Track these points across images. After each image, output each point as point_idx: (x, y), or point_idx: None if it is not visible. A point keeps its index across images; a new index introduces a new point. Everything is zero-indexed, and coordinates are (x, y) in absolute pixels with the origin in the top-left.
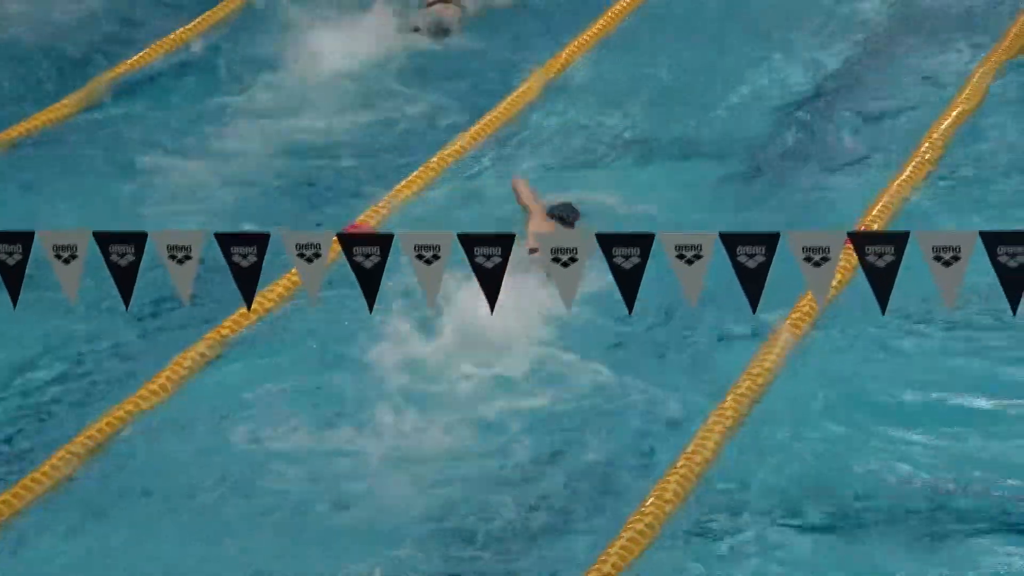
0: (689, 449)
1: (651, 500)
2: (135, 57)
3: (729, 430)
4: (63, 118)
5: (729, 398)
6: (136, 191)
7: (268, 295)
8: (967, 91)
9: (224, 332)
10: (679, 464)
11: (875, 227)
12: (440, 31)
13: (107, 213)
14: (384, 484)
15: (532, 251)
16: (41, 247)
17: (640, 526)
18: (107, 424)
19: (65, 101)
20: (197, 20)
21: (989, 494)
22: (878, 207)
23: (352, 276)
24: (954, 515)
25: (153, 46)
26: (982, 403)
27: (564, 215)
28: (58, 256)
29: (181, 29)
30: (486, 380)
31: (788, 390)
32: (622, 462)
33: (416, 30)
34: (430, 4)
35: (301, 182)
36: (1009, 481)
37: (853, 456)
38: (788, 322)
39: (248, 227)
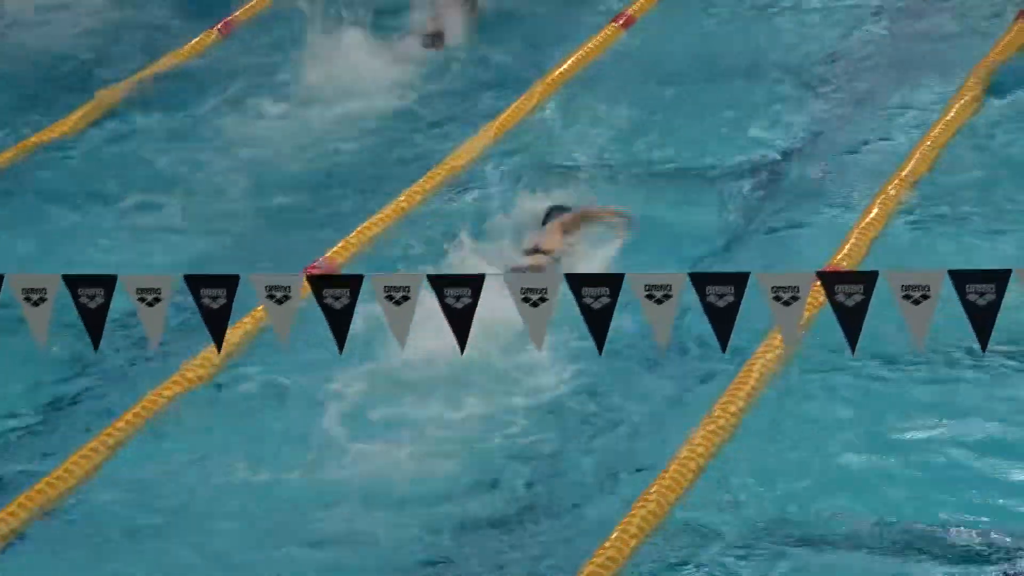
0: (661, 482)
1: (616, 534)
2: (106, 90)
3: (700, 467)
4: (31, 150)
5: (699, 434)
6: (113, 224)
7: (235, 331)
8: (937, 129)
9: (196, 367)
10: (650, 496)
11: (845, 265)
12: (435, 40)
13: (80, 249)
14: (359, 516)
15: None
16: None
17: (602, 559)
18: (73, 464)
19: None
20: (174, 51)
21: (958, 531)
22: (848, 245)
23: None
24: (924, 553)
25: (130, 78)
26: (952, 441)
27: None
28: (28, 299)
29: (163, 57)
30: (456, 408)
31: (760, 425)
32: (593, 493)
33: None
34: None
35: (290, 209)
36: (980, 519)
37: (824, 495)
38: (762, 356)
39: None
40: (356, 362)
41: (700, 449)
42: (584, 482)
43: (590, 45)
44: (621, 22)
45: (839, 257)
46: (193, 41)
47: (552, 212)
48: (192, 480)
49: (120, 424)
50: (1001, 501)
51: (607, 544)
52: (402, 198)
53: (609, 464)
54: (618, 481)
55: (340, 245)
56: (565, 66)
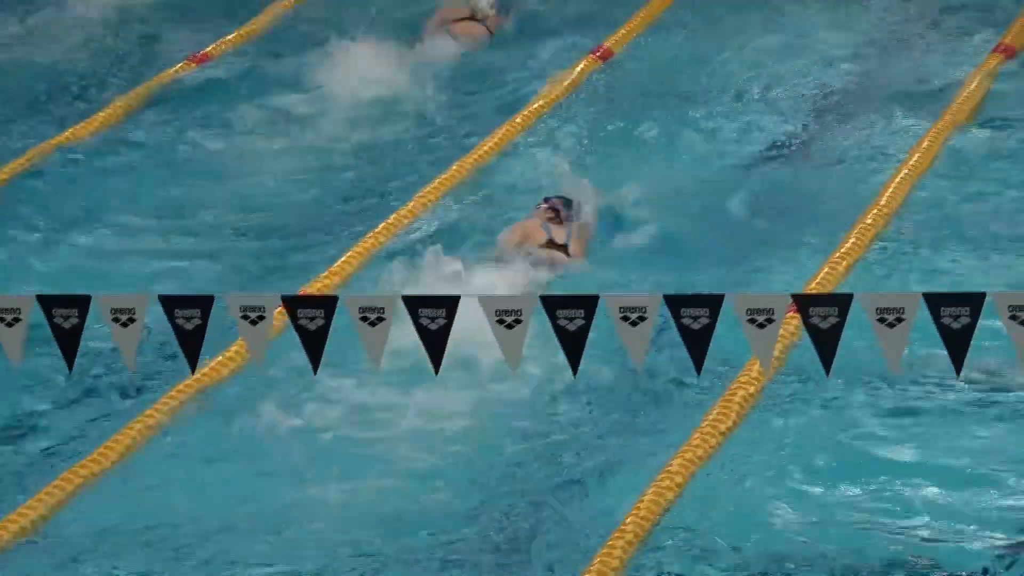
0: (639, 509)
1: (598, 562)
2: (93, 115)
3: (676, 492)
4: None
5: (676, 461)
6: (102, 243)
7: (218, 365)
8: (913, 160)
9: (175, 394)
10: (627, 524)
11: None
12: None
13: (66, 269)
14: (337, 540)
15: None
16: None
17: None
18: (47, 494)
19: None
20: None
21: (934, 556)
22: (822, 274)
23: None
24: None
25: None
26: (929, 464)
27: (561, 207)
28: (1, 319)
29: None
30: (431, 430)
31: (739, 449)
32: (573, 519)
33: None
34: (455, 20)
35: (284, 233)
36: (956, 542)
37: (804, 517)
38: (741, 380)
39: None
40: (335, 383)
41: (679, 478)
42: (562, 508)
43: (572, 74)
44: (599, 53)
45: (813, 284)
46: (184, 60)
47: (546, 200)
48: (177, 497)
49: (95, 457)
50: (988, 526)
51: (592, 569)
52: (383, 226)
53: (590, 487)
54: (600, 504)
55: (324, 274)
56: (547, 96)
